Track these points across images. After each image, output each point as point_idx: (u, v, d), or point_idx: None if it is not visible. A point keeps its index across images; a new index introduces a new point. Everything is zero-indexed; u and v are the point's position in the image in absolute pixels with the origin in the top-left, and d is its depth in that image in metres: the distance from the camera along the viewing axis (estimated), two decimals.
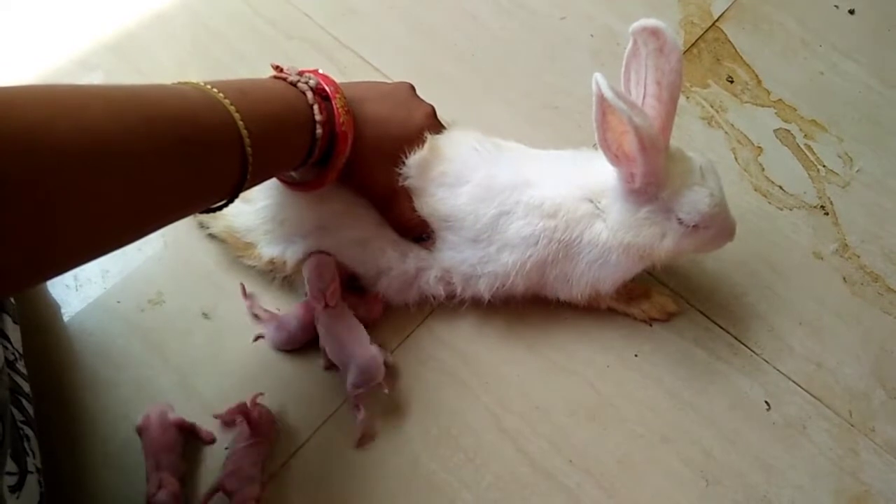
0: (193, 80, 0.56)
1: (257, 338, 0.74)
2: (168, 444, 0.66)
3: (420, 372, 0.73)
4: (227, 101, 0.54)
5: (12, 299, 0.69)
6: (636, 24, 0.59)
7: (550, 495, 0.68)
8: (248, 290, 0.76)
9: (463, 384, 0.72)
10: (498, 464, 0.69)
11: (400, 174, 0.69)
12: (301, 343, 0.73)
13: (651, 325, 0.76)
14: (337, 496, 0.67)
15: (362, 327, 0.71)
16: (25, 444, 0.59)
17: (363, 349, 0.69)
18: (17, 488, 0.56)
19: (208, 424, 0.69)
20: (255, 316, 0.74)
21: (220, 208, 0.59)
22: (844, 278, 0.80)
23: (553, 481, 0.68)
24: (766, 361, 0.75)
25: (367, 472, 0.68)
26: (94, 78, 0.89)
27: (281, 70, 0.64)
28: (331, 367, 0.72)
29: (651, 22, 0.58)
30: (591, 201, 0.68)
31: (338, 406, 0.71)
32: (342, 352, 0.70)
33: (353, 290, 0.75)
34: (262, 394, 0.69)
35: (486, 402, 0.72)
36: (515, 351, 0.74)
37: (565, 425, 0.71)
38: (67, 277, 0.76)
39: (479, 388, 0.72)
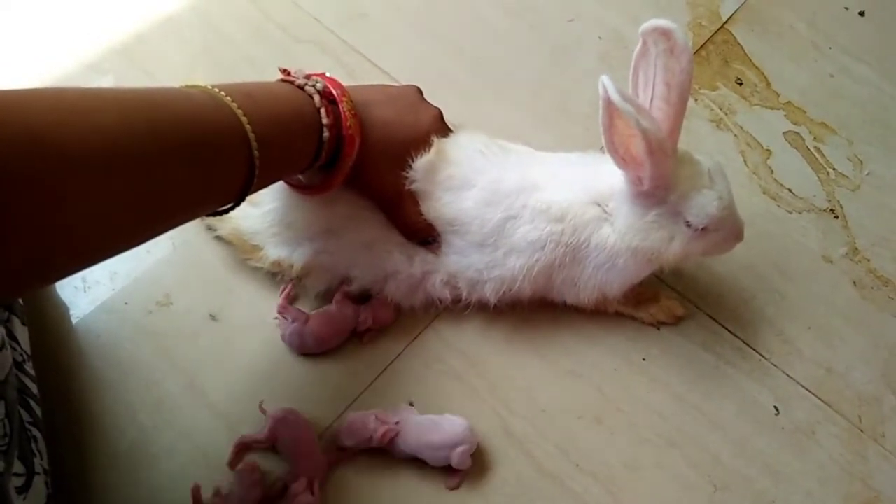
0: (202, 83, 0.56)
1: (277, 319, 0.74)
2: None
3: (426, 375, 0.73)
4: (234, 104, 0.54)
5: (21, 301, 0.69)
6: (646, 25, 0.58)
7: (557, 499, 0.68)
8: (258, 292, 0.76)
9: (469, 387, 0.72)
10: (504, 467, 0.69)
11: (406, 177, 0.69)
12: (313, 353, 0.73)
13: (659, 329, 0.76)
14: (342, 498, 0.67)
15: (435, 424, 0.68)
16: (33, 446, 0.60)
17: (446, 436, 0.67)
18: (24, 489, 0.56)
19: (215, 424, 0.70)
20: (281, 314, 0.73)
21: (227, 211, 0.59)
22: (854, 282, 0.80)
23: (560, 485, 0.68)
24: (775, 366, 0.74)
25: (374, 476, 0.68)
26: (105, 82, 0.89)
27: (288, 73, 0.65)
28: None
29: (661, 22, 0.57)
30: (599, 205, 0.67)
31: (344, 409, 0.71)
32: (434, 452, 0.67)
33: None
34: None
35: (492, 405, 0.72)
36: (522, 354, 0.74)
37: (572, 429, 0.71)
38: (76, 279, 0.77)
39: (486, 392, 0.72)
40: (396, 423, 0.67)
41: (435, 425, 0.67)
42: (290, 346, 0.73)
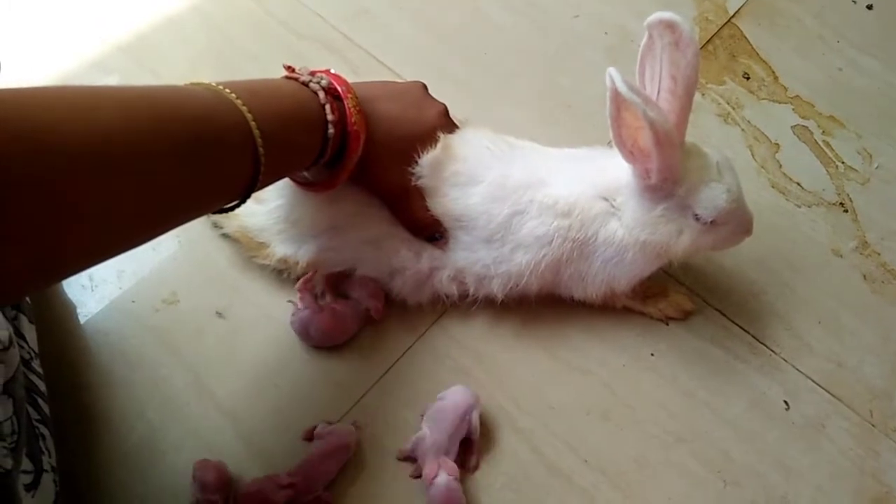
0: (206, 80, 0.56)
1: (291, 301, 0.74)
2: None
3: (434, 371, 0.73)
4: (238, 101, 0.54)
5: (28, 298, 0.69)
6: (652, 18, 0.58)
7: (565, 496, 0.67)
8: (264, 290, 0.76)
9: (477, 383, 0.72)
10: (512, 464, 0.68)
11: (412, 173, 0.69)
12: (315, 345, 0.73)
13: (667, 324, 0.75)
14: (349, 496, 0.67)
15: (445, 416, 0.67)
16: (41, 443, 0.60)
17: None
18: (32, 487, 0.56)
19: (222, 421, 0.70)
20: (300, 294, 0.73)
21: (232, 208, 0.59)
22: (864, 276, 0.79)
23: (568, 482, 0.68)
24: (785, 360, 0.74)
25: (379, 473, 0.67)
26: (110, 81, 0.90)
27: (293, 70, 0.65)
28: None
29: (667, 15, 0.57)
30: (606, 199, 0.67)
31: (350, 407, 0.71)
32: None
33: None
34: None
35: (500, 401, 0.71)
36: (530, 350, 0.74)
37: (580, 425, 0.70)
38: (83, 277, 0.77)
39: (494, 388, 0.72)
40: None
41: (445, 408, 0.67)
42: (294, 331, 0.73)
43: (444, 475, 0.64)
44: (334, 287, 0.74)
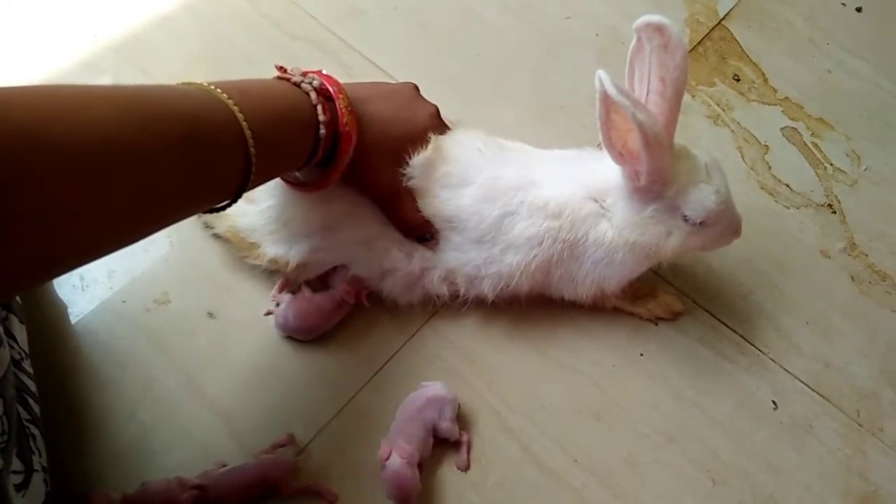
0: (198, 80, 0.56)
1: (268, 313, 0.75)
2: None
3: (426, 371, 0.73)
4: (230, 101, 0.54)
5: (18, 299, 0.69)
6: (640, 20, 0.58)
7: (556, 495, 0.68)
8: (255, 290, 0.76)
9: (468, 384, 0.72)
10: (503, 463, 0.69)
11: (404, 174, 0.69)
12: (298, 334, 0.73)
13: (657, 325, 0.76)
14: (341, 497, 0.67)
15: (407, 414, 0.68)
16: (31, 443, 0.60)
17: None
18: (22, 487, 0.56)
19: (213, 421, 0.70)
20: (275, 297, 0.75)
21: (223, 208, 0.59)
22: (852, 277, 0.80)
23: (559, 481, 0.68)
24: (773, 360, 0.74)
25: (372, 473, 0.67)
26: (103, 81, 0.90)
27: (285, 71, 0.65)
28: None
29: (655, 18, 0.58)
30: (596, 200, 0.67)
31: (342, 407, 0.71)
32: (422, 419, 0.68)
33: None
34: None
35: (491, 401, 0.72)
36: (521, 350, 0.74)
37: (571, 425, 0.71)
38: (74, 277, 0.77)
39: (484, 388, 0.72)
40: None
41: (411, 398, 0.68)
42: (278, 328, 0.73)
43: (396, 457, 0.64)
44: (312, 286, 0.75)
